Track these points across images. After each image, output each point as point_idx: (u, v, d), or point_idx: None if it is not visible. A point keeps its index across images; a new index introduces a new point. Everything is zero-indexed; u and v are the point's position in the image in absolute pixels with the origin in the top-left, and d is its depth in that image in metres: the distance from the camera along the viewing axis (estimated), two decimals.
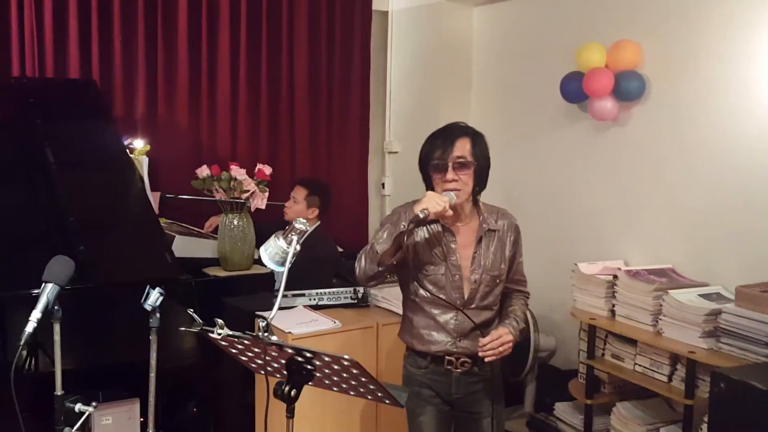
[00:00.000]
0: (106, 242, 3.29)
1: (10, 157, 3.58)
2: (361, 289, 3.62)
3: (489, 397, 2.60)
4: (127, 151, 3.86)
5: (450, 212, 2.36)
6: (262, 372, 2.00)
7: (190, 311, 1.85)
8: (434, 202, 2.29)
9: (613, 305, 3.61)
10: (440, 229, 2.52)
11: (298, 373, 1.87)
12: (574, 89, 3.97)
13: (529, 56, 4.62)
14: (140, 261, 3.28)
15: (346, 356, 1.73)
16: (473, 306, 2.52)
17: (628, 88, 3.80)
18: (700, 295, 3.32)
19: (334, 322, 3.34)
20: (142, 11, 4.49)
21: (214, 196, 3.66)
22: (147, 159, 4.27)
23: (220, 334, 1.82)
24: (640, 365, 3.45)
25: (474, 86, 5.12)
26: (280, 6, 5.00)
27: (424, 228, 2.49)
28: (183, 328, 1.91)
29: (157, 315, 2.05)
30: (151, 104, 4.62)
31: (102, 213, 3.41)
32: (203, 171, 3.60)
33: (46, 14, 4.18)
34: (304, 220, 1.92)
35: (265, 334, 1.77)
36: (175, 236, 3.69)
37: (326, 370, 1.85)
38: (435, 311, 2.53)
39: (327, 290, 3.60)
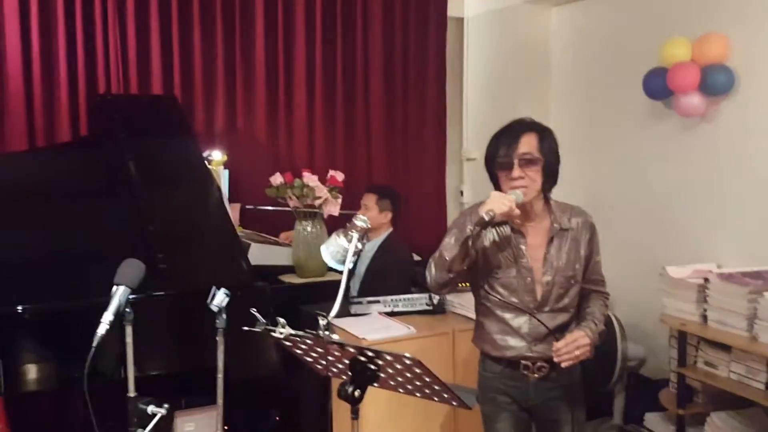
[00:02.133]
0: (184, 251, 3.35)
1: (98, 173, 3.70)
2: (436, 296, 3.56)
3: (568, 403, 2.48)
4: (206, 163, 3.92)
5: (517, 212, 2.27)
6: (328, 373, 1.98)
7: (253, 310, 1.84)
8: (499, 203, 2.21)
9: (705, 310, 3.42)
10: (509, 230, 2.43)
11: (362, 374, 1.83)
12: (658, 85, 3.80)
13: (610, 54, 4.48)
14: (217, 268, 3.32)
15: (407, 354, 1.68)
16: (547, 309, 2.42)
17: (715, 82, 3.61)
18: None
19: (409, 329, 3.30)
20: (221, 29, 4.59)
21: (288, 204, 3.68)
22: (227, 171, 4.38)
23: (282, 333, 1.80)
24: (734, 372, 3.25)
25: (553, 88, 5.00)
26: (355, 17, 5.02)
27: (493, 230, 2.41)
28: (246, 328, 1.89)
29: (224, 316, 2.05)
30: (230, 118, 4.71)
31: (181, 223, 3.47)
32: (276, 179, 3.64)
33: (129, 33, 4.32)
34: (365, 218, 1.89)
35: (326, 332, 1.74)
36: (250, 244, 3.74)
37: (390, 370, 1.80)
38: (507, 315, 2.44)
39: (402, 297, 3.57)
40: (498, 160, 2.38)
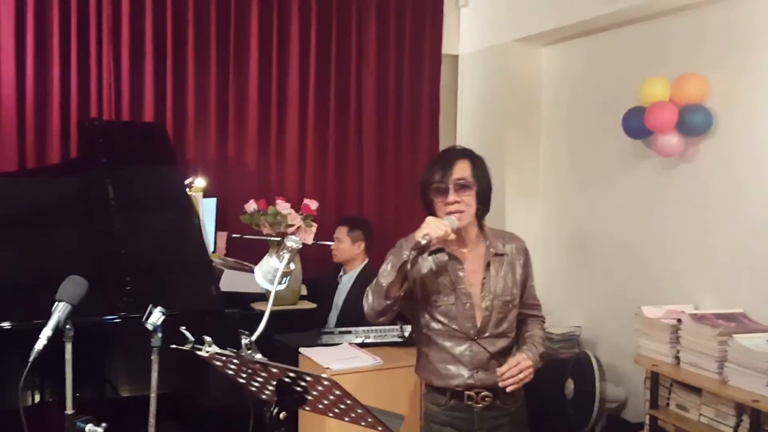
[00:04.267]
0: (154, 275, 3.36)
1: (79, 196, 3.73)
2: (408, 327, 3.54)
3: (513, 430, 2.47)
4: (187, 190, 3.96)
5: (452, 236, 2.29)
6: (262, 395, 1.97)
7: (183, 329, 1.84)
8: (435, 227, 2.22)
9: (678, 351, 3.38)
10: (446, 257, 2.44)
11: (288, 396, 1.82)
12: (637, 124, 3.81)
13: (596, 93, 4.50)
14: (186, 293, 3.33)
15: (324, 375, 1.67)
16: (487, 334, 2.42)
17: (693, 122, 3.61)
18: None
19: (375, 360, 3.28)
20: (214, 60, 4.67)
21: (262, 232, 3.70)
22: (214, 199, 4.42)
23: (208, 352, 1.80)
24: (705, 416, 3.20)
25: (543, 127, 5.02)
26: (350, 52, 5.09)
27: (430, 259, 2.42)
28: (174, 346, 1.89)
29: (159, 335, 2.05)
30: (222, 148, 4.77)
31: (154, 248, 3.49)
32: (250, 206, 3.66)
33: (123, 61, 4.41)
34: (297, 238, 1.89)
35: (248, 351, 1.74)
36: (223, 271, 3.75)
37: (314, 393, 1.79)
38: (448, 343, 2.43)
39: (374, 328, 3.55)
40: (433, 186, 2.40)
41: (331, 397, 1.78)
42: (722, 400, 3.10)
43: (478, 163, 2.44)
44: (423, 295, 2.43)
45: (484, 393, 2.41)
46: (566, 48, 4.79)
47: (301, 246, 1.91)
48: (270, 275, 1.92)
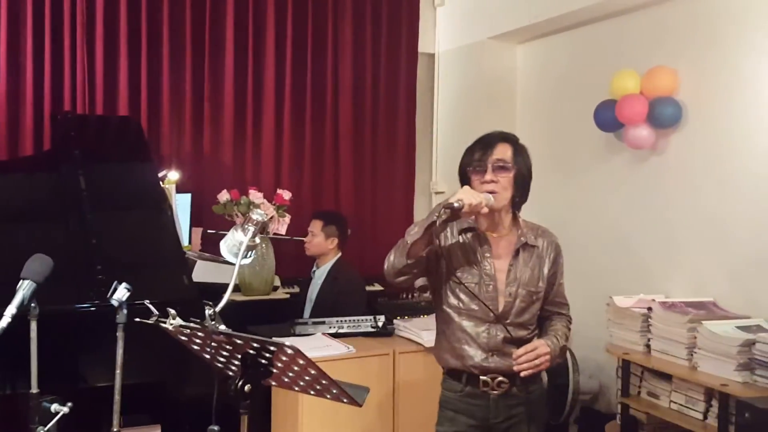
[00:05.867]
0: (125, 265, 3.33)
1: (50, 189, 3.70)
2: (381, 318, 3.55)
3: (528, 421, 2.40)
4: (160, 182, 3.94)
5: (485, 210, 2.22)
6: (228, 371, 1.97)
7: (146, 302, 1.84)
8: (470, 194, 2.17)
9: (649, 339, 3.41)
10: (476, 238, 2.41)
11: (253, 368, 1.82)
12: (608, 117, 3.85)
13: (571, 90, 4.55)
14: (157, 282, 3.30)
15: (287, 343, 1.67)
16: (508, 321, 2.36)
17: (663, 114, 3.66)
18: (738, 327, 3.09)
19: (348, 348, 3.28)
20: (189, 51, 4.68)
21: (235, 222, 3.69)
22: (189, 195, 4.40)
23: (172, 325, 1.80)
24: (675, 402, 3.23)
25: (518, 122, 5.05)
26: (326, 50, 5.11)
27: (460, 236, 2.40)
28: (138, 319, 1.89)
29: (124, 311, 2.04)
30: (197, 143, 4.76)
31: (126, 238, 3.46)
32: (223, 196, 3.65)
33: (97, 54, 4.40)
34: (262, 212, 1.90)
35: (212, 322, 1.73)
36: (196, 261, 3.73)
37: (279, 365, 1.79)
38: (466, 323, 2.39)
39: (347, 318, 3.56)
40: (472, 164, 2.37)
41: (296, 368, 1.78)
42: (692, 386, 3.13)
43: (520, 150, 2.40)
44: (448, 270, 2.40)
45: (500, 379, 2.36)
46: (540, 45, 4.84)
47: (266, 219, 1.91)
48: (235, 248, 1.92)
